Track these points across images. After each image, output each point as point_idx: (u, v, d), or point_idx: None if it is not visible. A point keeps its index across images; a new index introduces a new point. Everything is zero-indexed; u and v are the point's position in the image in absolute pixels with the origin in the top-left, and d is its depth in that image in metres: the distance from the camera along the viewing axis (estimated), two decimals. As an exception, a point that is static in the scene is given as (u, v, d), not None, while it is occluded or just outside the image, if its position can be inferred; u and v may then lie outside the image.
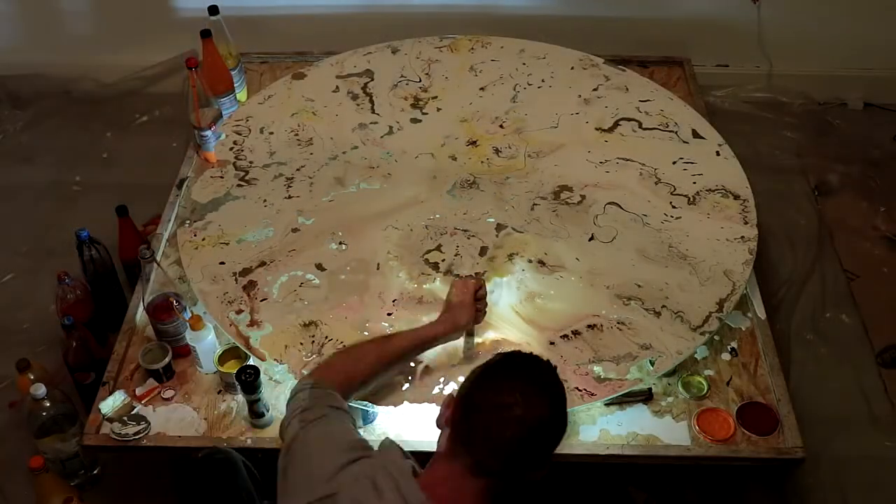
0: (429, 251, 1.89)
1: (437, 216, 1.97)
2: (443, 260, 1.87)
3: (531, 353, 1.35)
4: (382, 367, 1.52)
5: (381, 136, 2.17)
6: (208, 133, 2.10)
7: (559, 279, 1.83)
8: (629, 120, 2.19)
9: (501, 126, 2.19)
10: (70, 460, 1.85)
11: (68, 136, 2.79)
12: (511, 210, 1.98)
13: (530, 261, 1.86)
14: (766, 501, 1.88)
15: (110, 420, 1.66)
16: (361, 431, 1.60)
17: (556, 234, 1.92)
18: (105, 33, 2.86)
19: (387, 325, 1.75)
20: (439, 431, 1.33)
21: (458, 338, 1.66)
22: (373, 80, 2.33)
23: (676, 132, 2.16)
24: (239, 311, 1.78)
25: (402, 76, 2.33)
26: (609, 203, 1.99)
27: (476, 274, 1.77)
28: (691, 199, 1.99)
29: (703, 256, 1.87)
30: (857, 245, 2.41)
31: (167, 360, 1.72)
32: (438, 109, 2.24)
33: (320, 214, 1.98)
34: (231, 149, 2.15)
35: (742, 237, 1.91)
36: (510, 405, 1.21)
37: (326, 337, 1.74)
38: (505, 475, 1.22)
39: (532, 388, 1.24)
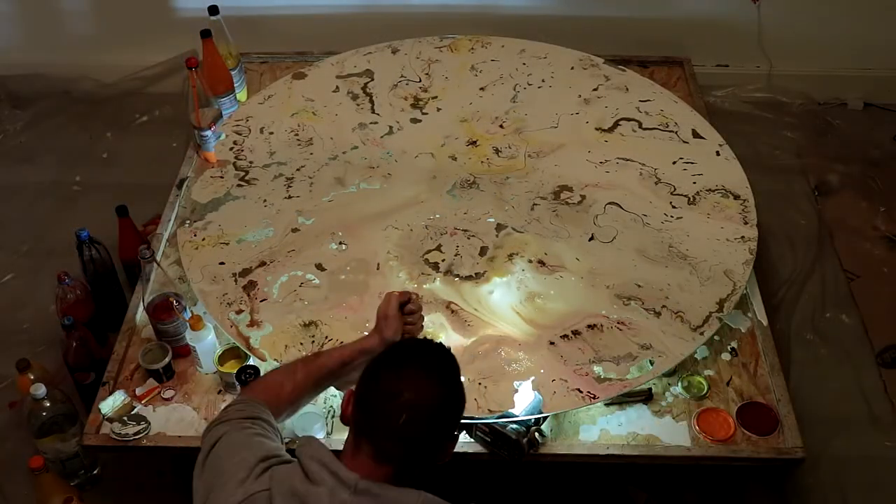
0: (429, 251, 1.89)
1: (437, 216, 1.97)
2: (443, 260, 1.87)
3: (421, 339, 1.38)
4: (311, 384, 1.49)
5: (381, 136, 2.17)
6: (208, 133, 2.10)
7: (559, 279, 1.83)
8: (629, 120, 2.19)
9: (501, 126, 2.19)
10: (70, 460, 1.85)
11: (68, 136, 2.79)
12: (511, 210, 1.98)
13: (530, 261, 1.86)
14: (766, 501, 1.88)
15: (110, 420, 1.66)
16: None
17: (556, 234, 1.92)
18: (105, 33, 2.87)
19: (387, 325, 1.75)
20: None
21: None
22: (373, 80, 2.33)
23: (676, 132, 2.16)
24: (239, 312, 1.78)
25: (402, 76, 2.33)
26: (609, 203, 1.99)
27: (408, 291, 1.64)
28: (691, 199, 1.99)
29: (704, 256, 1.87)
30: (857, 245, 2.41)
31: (167, 360, 1.72)
32: (438, 109, 2.24)
33: (320, 214, 1.98)
34: (231, 149, 2.15)
35: (742, 237, 1.91)
36: (399, 392, 1.21)
37: (326, 337, 1.74)
38: (407, 460, 1.23)
39: (420, 373, 1.25)
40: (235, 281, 1.84)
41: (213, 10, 2.17)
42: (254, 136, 2.18)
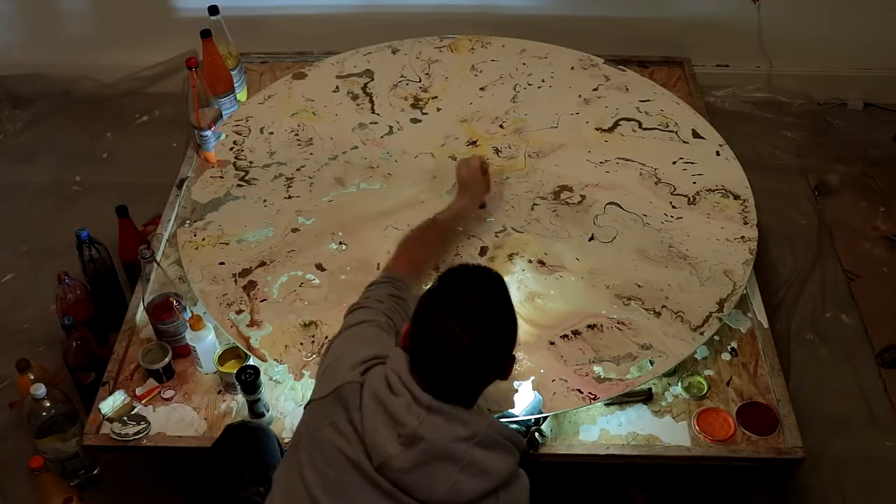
0: (429, 251, 1.89)
1: (437, 216, 1.97)
2: (443, 260, 1.87)
3: (467, 267, 1.40)
4: (444, 246, 1.81)
5: (381, 136, 2.17)
6: (208, 133, 2.10)
7: (559, 279, 1.83)
8: (629, 120, 2.19)
9: (501, 126, 2.19)
10: (70, 460, 1.85)
11: (68, 136, 2.79)
12: (511, 210, 1.98)
13: (530, 261, 1.86)
14: (766, 501, 1.88)
15: (110, 420, 1.66)
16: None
17: (556, 234, 1.92)
18: (105, 33, 2.87)
19: (387, 325, 1.75)
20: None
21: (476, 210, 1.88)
22: (373, 80, 2.33)
23: (676, 132, 2.16)
24: (239, 312, 1.78)
25: (402, 76, 2.33)
26: (609, 203, 1.99)
27: (473, 155, 1.89)
28: (691, 199, 1.99)
29: (704, 256, 1.87)
30: (857, 245, 2.41)
31: (167, 360, 1.72)
32: (438, 109, 2.24)
33: (320, 214, 1.98)
34: (231, 149, 2.15)
35: (742, 237, 1.91)
36: (452, 335, 1.25)
37: (326, 337, 1.74)
38: (466, 393, 1.30)
39: (462, 325, 1.26)
40: (235, 281, 1.84)
41: (213, 10, 2.17)
42: (254, 136, 2.18)
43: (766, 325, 1.82)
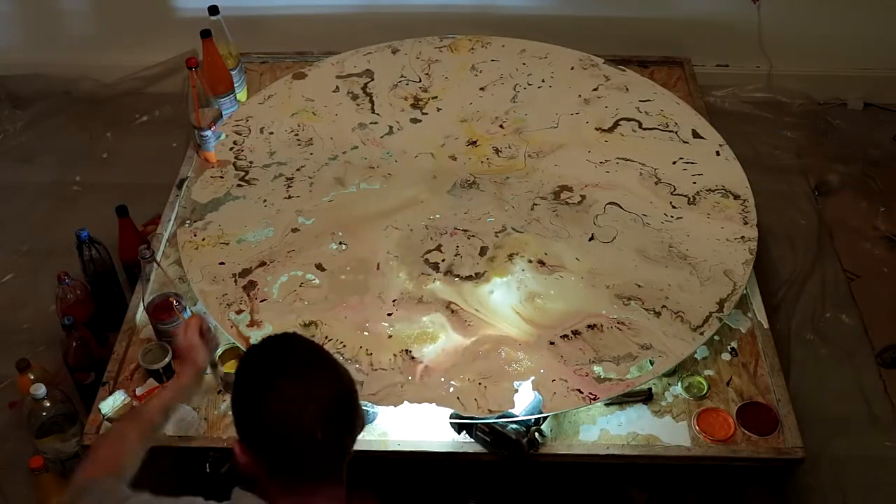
0: (429, 251, 1.89)
1: (437, 216, 1.97)
2: (443, 260, 1.87)
3: (272, 342, 1.24)
4: (146, 438, 1.44)
5: (381, 136, 2.17)
6: (208, 133, 2.10)
7: (559, 279, 1.83)
8: (629, 120, 2.19)
9: (501, 126, 2.19)
10: (70, 460, 1.85)
11: (68, 136, 2.79)
12: (511, 210, 1.98)
13: (530, 261, 1.86)
14: (766, 501, 1.88)
15: (110, 420, 1.66)
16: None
17: (556, 234, 1.92)
18: (105, 33, 2.87)
19: (387, 324, 1.75)
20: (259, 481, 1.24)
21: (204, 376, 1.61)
22: (373, 80, 2.33)
23: (676, 132, 2.16)
24: (239, 312, 1.78)
25: (402, 76, 2.33)
26: (609, 203, 1.99)
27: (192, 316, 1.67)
28: (691, 199, 1.99)
29: (704, 256, 1.87)
30: (857, 245, 2.41)
31: (167, 360, 1.72)
32: (438, 109, 2.24)
33: (320, 214, 1.98)
34: (231, 149, 2.15)
35: (742, 237, 1.91)
36: (296, 414, 1.13)
37: (326, 337, 1.74)
38: (341, 463, 1.21)
39: (301, 386, 1.15)
40: (235, 281, 1.84)
41: (213, 10, 2.17)
42: (254, 136, 2.18)
43: (766, 325, 1.82)
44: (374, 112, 2.23)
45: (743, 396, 1.70)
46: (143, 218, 2.27)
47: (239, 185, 2.05)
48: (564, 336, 1.73)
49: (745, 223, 1.94)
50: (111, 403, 1.67)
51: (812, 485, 1.89)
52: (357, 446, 1.57)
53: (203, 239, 1.93)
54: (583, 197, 2.00)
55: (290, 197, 2.02)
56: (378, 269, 1.86)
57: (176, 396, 1.52)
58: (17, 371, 1.87)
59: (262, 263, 1.87)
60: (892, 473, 1.93)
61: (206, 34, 2.14)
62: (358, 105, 2.26)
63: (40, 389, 1.74)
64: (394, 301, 1.79)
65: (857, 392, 2.07)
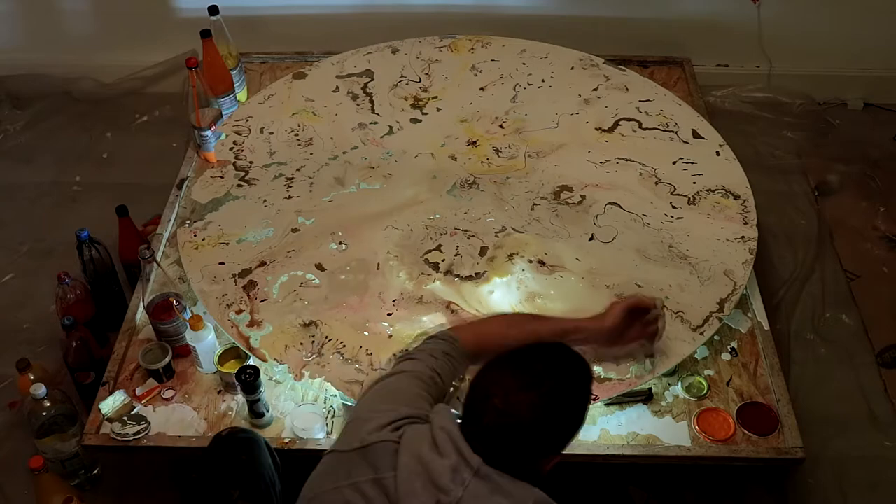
0: (429, 251, 1.89)
1: (437, 216, 1.97)
2: (443, 260, 1.87)
3: (559, 346, 1.32)
4: (520, 344, 1.47)
5: (381, 136, 2.17)
6: (208, 133, 2.10)
7: (559, 279, 1.83)
8: (629, 120, 2.19)
9: (501, 126, 2.19)
10: (70, 460, 1.84)
11: (68, 136, 2.79)
12: (511, 210, 1.98)
13: (530, 261, 1.86)
14: (766, 501, 1.88)
15: (110, 420, 1.67)
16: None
17: (556, 234, 1.92)
18: (105, 33, 2.86)
19: (387, 324, 1.75)
20: None
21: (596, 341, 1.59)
22: (373, 80, 2.33)
23: (676, 132, 2.16)
24: (239, 312, 1.78)
25: (402, 76, 2.33)
26: (609, 203, 1.99)
27: (655, 298, 1.63)
28: (691, 199, 1.99)
29: (704, 256, 1.87)
30: (857, 245, 2.40)
31: (167, 360, 1.72)
32: (438, 109, 2.24)
33: (320, 214, 1.98)
34: (231, 149, 2.15)
35: (742, 237, 1.91)
36: (493, 393, 1.21)
37: (326, 337, 1.74)
38: (494, 460, 1.22)
39: (522, 381, 1.21)
40: (235, 281, 1.84)
41: (213, 10, 2.17)
42: (254, 136, 2.18)
43: (766, 325, 1.82)
44: (374, 112, 2.23)
45: (743, 396, 1.70)
46: (143, 218, 2.27)
47: (239, 185, 2.05)
48: (564, 336, 1.72)
49: (745, 223, 1.94)
50: (111, 403, 1.68)
51: (812, 485, 1.89)
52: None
53: (203, 239, 1.93)
54: (583, 197, 2.00)
55: (290, 197, 2.02)
56: (378, 269, 1.86)
57: (571, 330, 1.54)
58: (17, 371, 1.87)
59: (262, 263, 1.87)
60: (892, 473, 1.93)
61: (206, 34, 2.14)
62: (358, 105, 2.26)
63: (40, 389, 1.73)
64: (394, 301, 1.79)
65: (857, 392, 2.07)
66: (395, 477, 1.21)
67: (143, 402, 1.71)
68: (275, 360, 1.70)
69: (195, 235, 1.94)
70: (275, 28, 2.77)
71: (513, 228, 1.93)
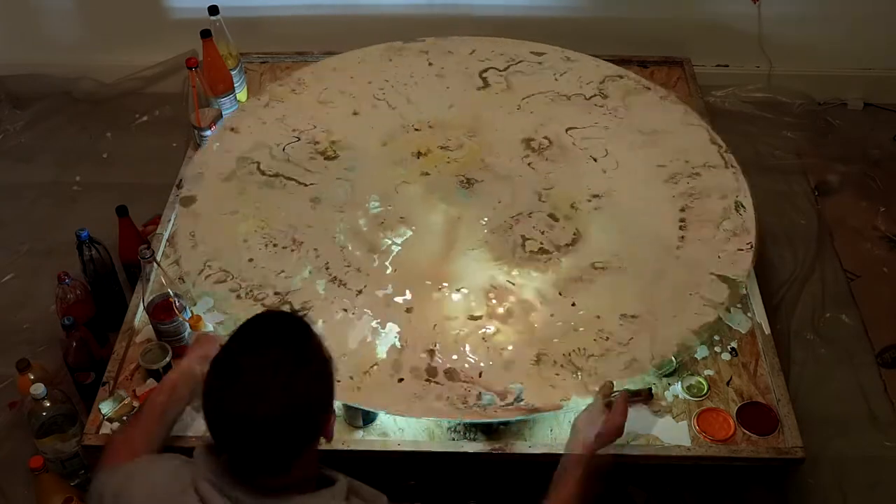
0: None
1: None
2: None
3: (255, 320, 1.19)
4: (163, 426, 1.48)
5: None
6: (208, 133, 2.10)
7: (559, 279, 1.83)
8: (629, 120, 2.19)
9: (498, 128, 2.19)
10: (70, 460, 1.84)
11: (68, 136, 2.79)
12: (504, 211, 1.97)
13: (519, 269, 1.86)
14: (766, 501, 1.87)
15: (110, 420, 1.66)
16: (361, 432, 1.61)
17: (551, 234, 1.92)
18: (105, 34, 2.87)
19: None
20: None
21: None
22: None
23: (675, 132, 2.16)
24: (239, 312, 1.78)
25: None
26: (609, 203, 1.98)
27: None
28: (691, 200, 1.99)
29: (703, 257, 1.87)
30: (857, 245, 2.41)
31: (167, 360, 1.72)
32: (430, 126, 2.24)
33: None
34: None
35: (742, 238, 1.91)
36: (241, 412, 1.11)
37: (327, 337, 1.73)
38: (278, 466, 1.15)
39: (260, 379, 1.11)
40: (235, 281, 1.84)
41: (213, 10, 2.17)
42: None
43: (766, 325, 1.82)
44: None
45: (743, 396, 1.70)
46: (143, 218, 2.27)
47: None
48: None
49: (745, 224, 1.94)
50: (111, 404, 1.67)
51: (812, 485, 1.89)
52: (357, 446, 1.57)
53: (203, 239, 1.93)
54: (582, 199, 2.00)
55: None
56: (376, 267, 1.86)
57: (177, 377, 1.53)
58: (17, 371, 1.87)
59: (262, 263, 1.87)
60: (892, 473, 1.93)
61: (206, 34, 2.14)
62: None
63: (40, 389, 1.73)
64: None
65: (857, 392, 2.07)
66: None
67: (143, 402, 1.70)
68: (275, 360, 1.70)
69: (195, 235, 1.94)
70: (275, 28, 2.77)
71: (510, 229, 1.93)
